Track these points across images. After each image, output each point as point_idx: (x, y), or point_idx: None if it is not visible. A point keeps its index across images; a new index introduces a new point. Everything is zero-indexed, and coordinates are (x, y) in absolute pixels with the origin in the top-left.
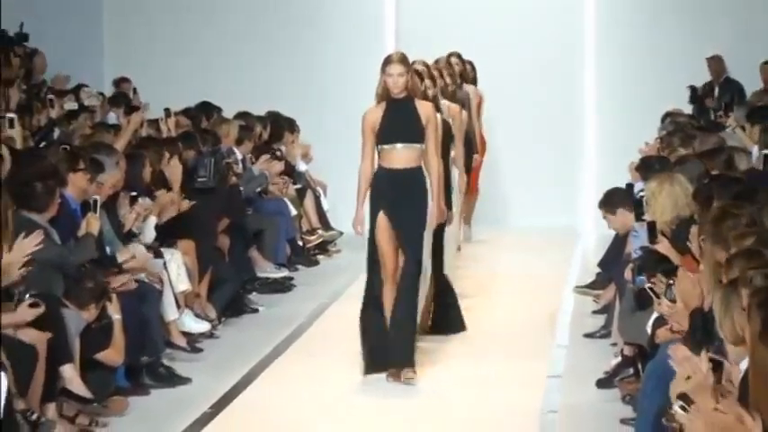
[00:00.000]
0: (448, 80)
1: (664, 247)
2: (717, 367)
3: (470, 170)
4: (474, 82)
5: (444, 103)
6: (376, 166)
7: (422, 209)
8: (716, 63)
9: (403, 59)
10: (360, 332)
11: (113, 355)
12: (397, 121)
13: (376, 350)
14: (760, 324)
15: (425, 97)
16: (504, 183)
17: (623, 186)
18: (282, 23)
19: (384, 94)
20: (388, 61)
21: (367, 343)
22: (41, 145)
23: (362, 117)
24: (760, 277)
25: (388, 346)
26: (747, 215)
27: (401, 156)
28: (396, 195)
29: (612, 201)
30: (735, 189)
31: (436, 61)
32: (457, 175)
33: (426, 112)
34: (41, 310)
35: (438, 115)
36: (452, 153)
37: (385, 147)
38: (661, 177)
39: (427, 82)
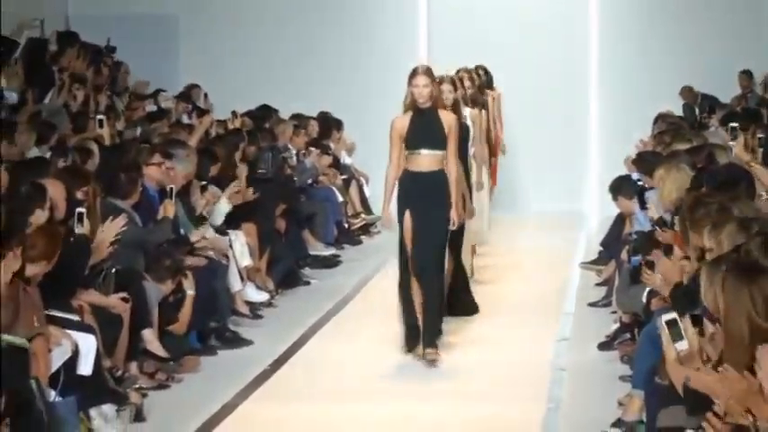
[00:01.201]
0: (468, 84)
1: (666, 236)
2: (697, 323)
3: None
4: (488, 86)
5: (466, 110)
6: (401, 170)
7: (444, 207)
8: (687, 92)
9: (427, 72)
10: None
11: (179, 327)
12: (423, 128)
13: (413, 329)
14: (732, 296)
15: (445, 107)
16: (519, 174)
17: (624, 175)
18: (331, 39)
19: (411, 105)
20: (414, 74)
21: (406, 323)
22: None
23: (391, 124)
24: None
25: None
26: (718, 203)
27: (425, 160)
28: (421, 195)
29: (617, 188)
30: (719, 179)
31: (458, 71)
32: (476, 171)
33: (449, 121)
34: (128, 305)
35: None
36: (472, 151)
37: (411, 152)
38: (668, 165)
39: (446, 87)
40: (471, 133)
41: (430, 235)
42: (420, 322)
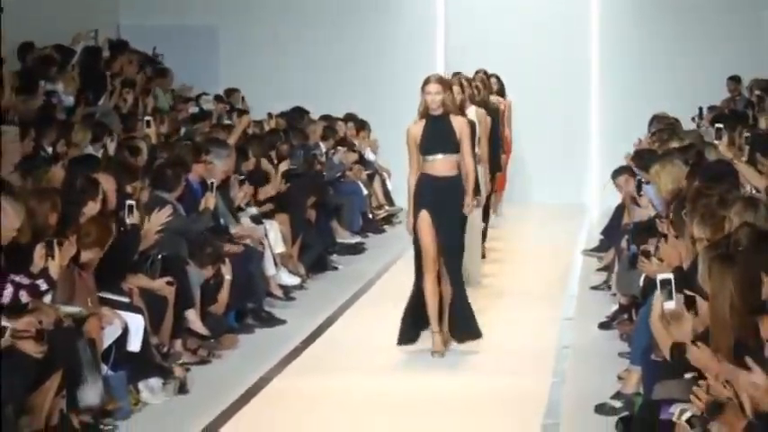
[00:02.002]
0: (481, 88)
1: (664, 226)
2: (690, 305)
3: (499, 168)
4: (500, 93)
5: (472, 108)
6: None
7: (458, 212)
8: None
9: (440, 80)
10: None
11: (219, 308)
12: (437, 134)
13: (406, 325)
14: (718, 281)
15: (458, 111)
16: (526, 168)
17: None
18: (356, 49)
19: (424, 112)
20: (426, 82)
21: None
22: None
23: (406, 131)
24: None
25: (456, 324)
26: (718, 195)
27: (442, 165)
28: (437, 199)
29: (620, 171)
30: (709, 174)
31: (477, 72)
32: (481, 170)
33: (460, 125)
34: (173, 288)
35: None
36: (477, 151)
37: (427, 157)
38: (662, 161)
39: (455, 89)
40: (477, 132)
41: (449, 234)
42: (444, 317)
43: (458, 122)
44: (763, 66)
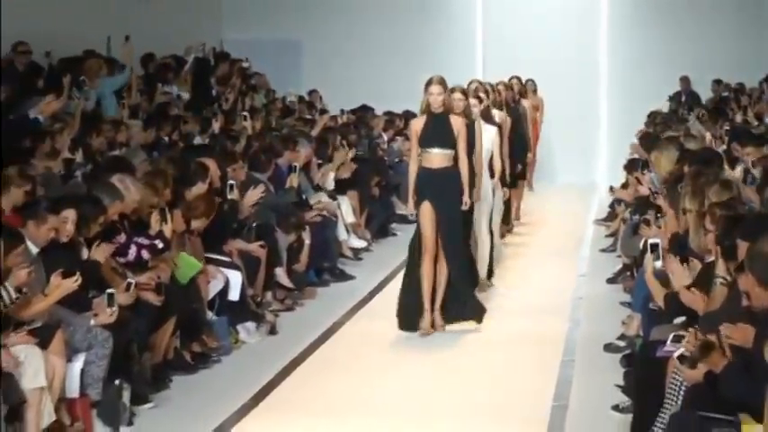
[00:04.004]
0: (503, 94)
1: (660, 201)
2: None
3: (523, 156)
4: (524, 95)
5: (495, 112)
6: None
7: (457, 199)
8: (684, 81)
9: (441, 82)
10: (397, 302)
11: (301, 266)
12: (435, 130)
13: (407, 314)
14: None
15: (463, 113)
16: (548, 155)
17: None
18: (409, 59)
19: (426, 109)
20: (429, 83)
21: (401, 309)
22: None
23: (409, 125)
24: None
25: (446, 306)
26: (714, 173)
27: (437, 158)
28: (436, 190)
29: (629, 164)
30: (698, 158)
31: (498, 83)
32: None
33: (458, 124)
34: (265, 250)
35: (488, 126)
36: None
37: (425, 150)
38: (659, 148)
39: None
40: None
41: (448, 220)
42: (438, 297)
43: (456, 122)
44: (743, 65)
